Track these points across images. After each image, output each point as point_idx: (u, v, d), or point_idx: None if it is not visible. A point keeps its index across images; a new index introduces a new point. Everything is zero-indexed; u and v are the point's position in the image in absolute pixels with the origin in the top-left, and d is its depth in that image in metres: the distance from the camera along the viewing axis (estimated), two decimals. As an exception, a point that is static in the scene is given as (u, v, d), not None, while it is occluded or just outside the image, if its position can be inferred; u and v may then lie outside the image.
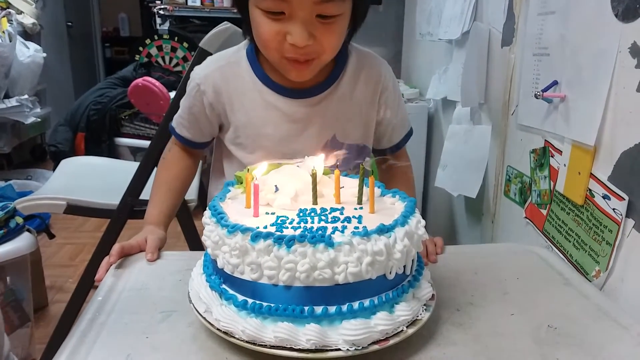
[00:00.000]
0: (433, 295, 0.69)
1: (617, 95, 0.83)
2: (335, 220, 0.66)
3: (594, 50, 0.88)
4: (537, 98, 1.00)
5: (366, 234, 0.60)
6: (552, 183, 1.02)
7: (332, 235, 0.59)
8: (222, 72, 0.92)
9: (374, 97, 0.95)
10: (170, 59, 3.38)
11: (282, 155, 0.79)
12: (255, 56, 0.90)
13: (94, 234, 2.42)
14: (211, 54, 1.37)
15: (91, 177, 1.85)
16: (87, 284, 1.50)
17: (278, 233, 0.59)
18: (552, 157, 1.02)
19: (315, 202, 0.71)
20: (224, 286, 0.63)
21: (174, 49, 3.37)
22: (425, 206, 1.96)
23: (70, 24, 4.51)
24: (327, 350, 0.58)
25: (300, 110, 0.91)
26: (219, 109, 0.93)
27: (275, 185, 0.71)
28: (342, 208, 0.69)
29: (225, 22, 1.28)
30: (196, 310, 0.65)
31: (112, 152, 2.88)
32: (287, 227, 0.63)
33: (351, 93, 0.93)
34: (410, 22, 2.11)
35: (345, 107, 0.93)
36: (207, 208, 0.70)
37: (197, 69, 0.94)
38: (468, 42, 1.43)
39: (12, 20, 3.01)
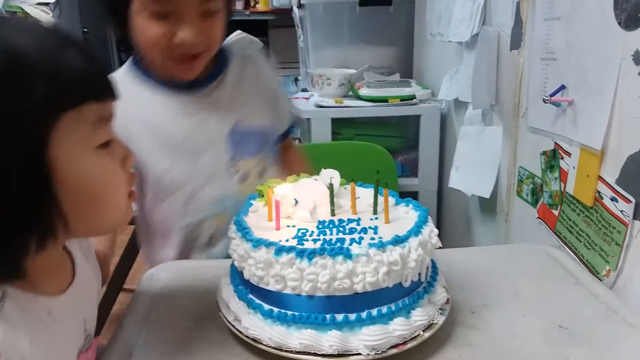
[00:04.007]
0: (448, 299, 0.73)
1: (621, 101, 0.85)
2: (352, 231, 0.70)
3: (599, 56, 0.90)
4: (545, 103, 1.03)
5: (382, 245, 0.64)
6: (562, 184, 1.05)
7: (350, 247, 0.64)
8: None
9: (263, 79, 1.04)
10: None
11: (192, 151, 0.84)
12: (140, 67, 0.98)
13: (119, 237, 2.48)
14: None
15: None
16: (116, 286, 1.57)
17: (299, 246, 0.64)
18: (562, 159, 1.05)
19: (333, 213, 0.75)
20: (250, 296, 0.67)
21: (188, 54, 3.41)
22: (440, 206, 1.98)
23: (86, 30, 4.58)
24: (349, 355, 0.62)
25: (194, 104, 0.96)
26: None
27: (295, 199, 0.76)
28: (359, 219, 0.73)
29: (239, 30, 1.29)
30: (226, 318, 0.69)
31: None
32: (307, 240, 0.67)
33: (241, 77, 1.00)
34: (420, 23, 2.13)
35: (239, 91, 1.00)
36: (232, 222, 0.75)
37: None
38: (477, 45, 1.45)
39: (31, 31, 3.08)
